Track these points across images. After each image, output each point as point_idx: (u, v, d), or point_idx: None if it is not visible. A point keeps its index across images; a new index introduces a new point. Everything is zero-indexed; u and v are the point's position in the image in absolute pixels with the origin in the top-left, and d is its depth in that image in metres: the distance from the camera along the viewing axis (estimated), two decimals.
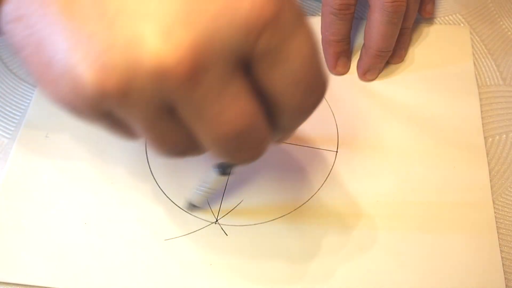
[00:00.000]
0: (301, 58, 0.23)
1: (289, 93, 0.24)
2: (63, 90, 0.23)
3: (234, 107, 0.23)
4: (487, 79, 0.47)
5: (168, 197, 0.40)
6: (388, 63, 0.47)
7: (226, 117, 0.23)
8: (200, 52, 0.21)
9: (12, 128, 0.44)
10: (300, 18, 0.23)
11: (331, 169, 0.41)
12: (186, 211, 0.39)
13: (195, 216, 0.39)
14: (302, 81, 0.24)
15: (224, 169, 0.32)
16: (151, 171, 0.41)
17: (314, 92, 0.25)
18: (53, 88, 0.23)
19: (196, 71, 0.21)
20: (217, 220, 0.39)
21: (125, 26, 0.21)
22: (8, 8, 0.24)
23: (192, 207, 0.39)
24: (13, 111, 0.45)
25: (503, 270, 0.37)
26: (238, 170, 0.32)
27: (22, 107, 0.45)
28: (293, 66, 0.23)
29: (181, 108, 0.23)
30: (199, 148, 0.26)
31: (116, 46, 0.21)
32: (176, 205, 0.40)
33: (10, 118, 0.45)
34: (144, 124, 0.24)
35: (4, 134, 0.44)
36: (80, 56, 0.21)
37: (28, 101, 0.45)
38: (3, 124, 0.44)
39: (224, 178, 0.33)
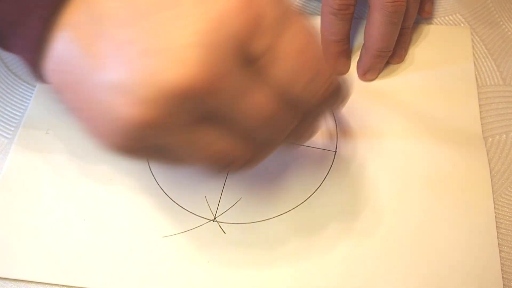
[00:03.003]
0: (294, 51, 0.25)
1: (294, 84, 0.26)
2: (104, 127, 0.26)
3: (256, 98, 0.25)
4: (487, 79, 0.46)
5: (166, 194, 0.40)
6: (388, 63, 0.47)
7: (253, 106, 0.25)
8: (209, 66, 0.23)
9: (12, 128, 0.44)
10: (286, 16, 0.25)
11: (330, 168, 0.41)
12: (184, 209, 0.40)
13: (193, 214, 0.39)
14: (300, 71, 0.26)
15: None
16: (150, 168, 0.41)
17: (317, 78, 0.26)
18: (94, 125, 0.28)
19: (212, 82, 0.23)
20: (215, 218, 0.39)
21: (144, 65, 0.23)
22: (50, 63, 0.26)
23: None
24: (13, 111, 0.45)
25: (501, 270, 0.37)
26: None
27: (22, 107, 0.45)
28: (288, 61, 0.25)
29: (216, 113, 0.25)
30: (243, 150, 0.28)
31: (143, 84, 0.23)
32: (175, 202, 0.40)
33: (10, 118, 0.45)
34: (190, 139, 0.26)
35: (4, 134, 0.44)
36: (117, 98, 0.24)
37: (28, 101, 0.45)
38: (3, 124, 0.44)
39: None
